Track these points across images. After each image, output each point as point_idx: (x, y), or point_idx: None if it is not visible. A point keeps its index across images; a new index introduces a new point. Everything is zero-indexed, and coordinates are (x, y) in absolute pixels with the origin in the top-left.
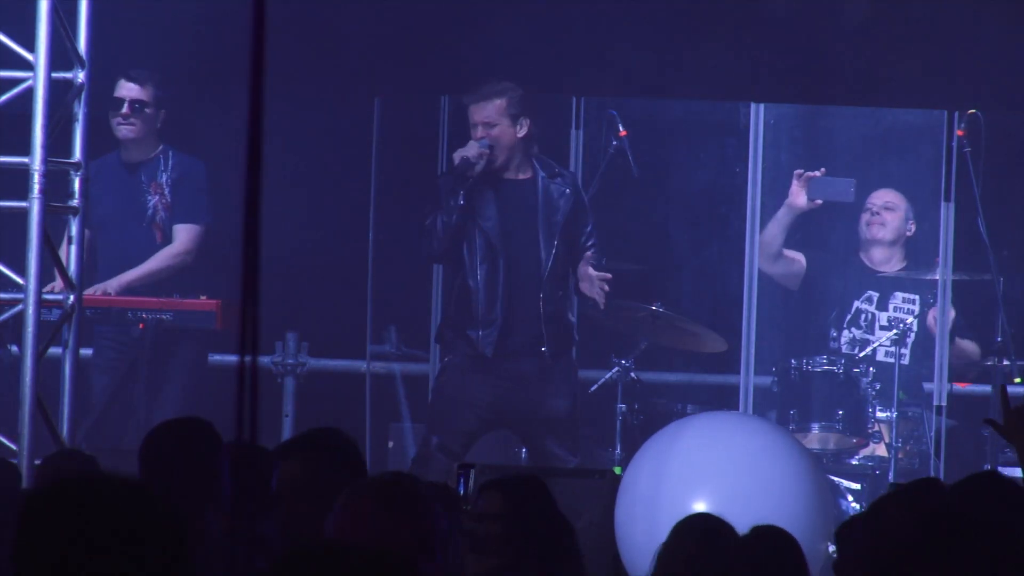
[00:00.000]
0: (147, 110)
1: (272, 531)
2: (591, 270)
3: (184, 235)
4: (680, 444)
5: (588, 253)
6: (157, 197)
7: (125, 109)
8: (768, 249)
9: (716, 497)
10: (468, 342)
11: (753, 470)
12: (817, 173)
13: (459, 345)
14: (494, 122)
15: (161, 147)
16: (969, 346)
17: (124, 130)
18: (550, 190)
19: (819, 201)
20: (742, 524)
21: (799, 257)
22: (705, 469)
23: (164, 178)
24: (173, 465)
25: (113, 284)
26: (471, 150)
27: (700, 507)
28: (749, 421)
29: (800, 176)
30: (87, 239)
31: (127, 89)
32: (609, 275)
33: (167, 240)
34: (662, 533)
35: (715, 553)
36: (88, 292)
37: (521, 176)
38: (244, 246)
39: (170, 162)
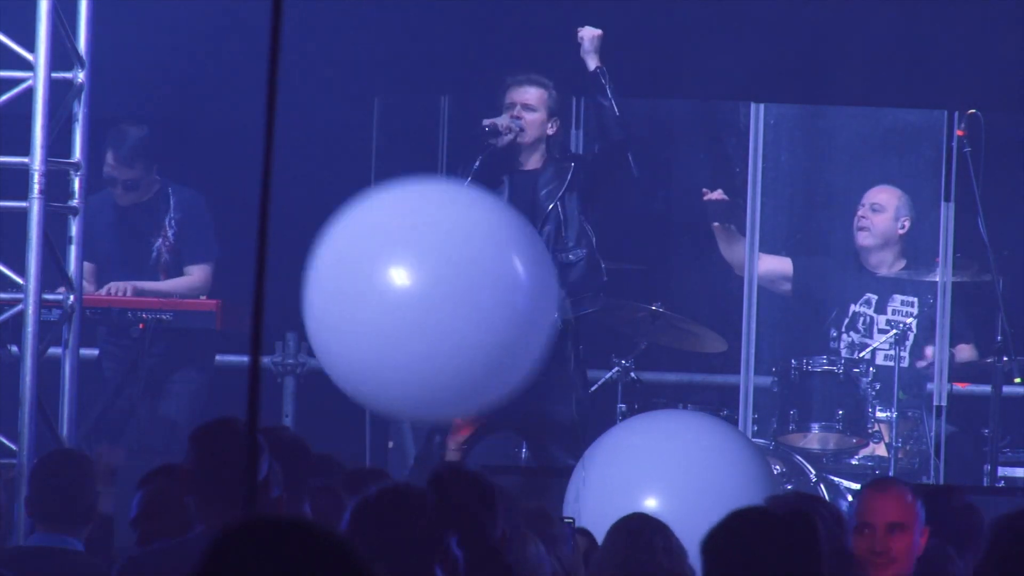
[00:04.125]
0: (137, 164)
1: None
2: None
3: (199, 274)
4: (623, 443)
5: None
6: (160, 240)
7: (120, 189)
8: (736, 264)
9: (660, 495)
10: None
11: (698, 466)
12: (715, 195)
13: None
14: (534, 106)
15: (158, 185)
16: (965, 351)
17: (128, 198)
18: (550, 169)
19: (717, 224)
20: (688, 520)
21: (780, 260)
22: (648, 467)
23: (167, 220)
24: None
25: (125, 285)
26: (502, 120)
27: (650, 504)
28: (692, 418)
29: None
30: (92, 274)
31: (119, 171)
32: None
33: (170, 278)
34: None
35: (647, 553)
36: (101, 291)
37: (531, 168)
38: (257, 251)
39: (171, 201)
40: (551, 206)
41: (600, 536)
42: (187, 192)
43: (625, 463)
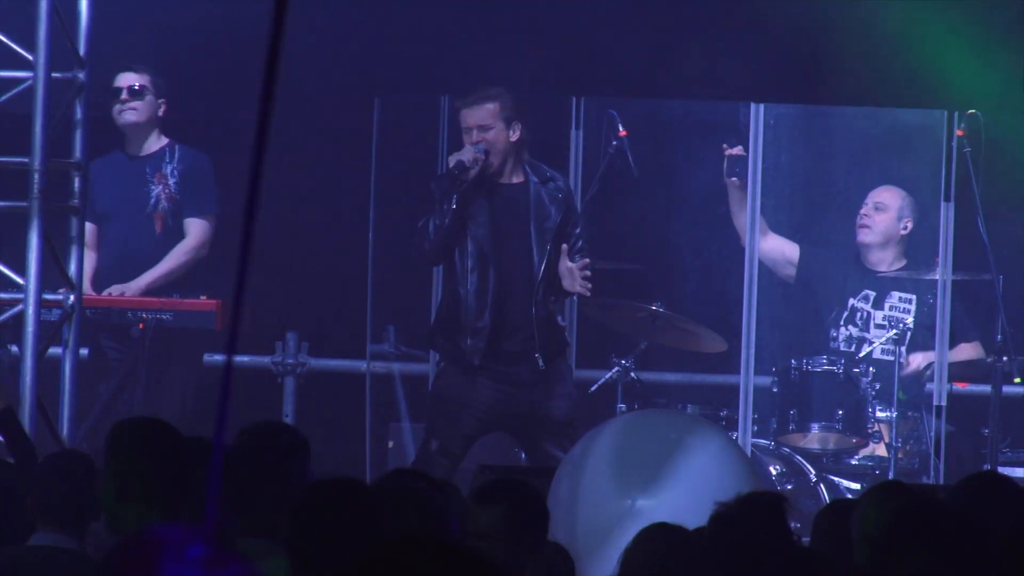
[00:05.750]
0: (147, 95)
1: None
2: (568, 263)
3: (196, 229)
4: (599, 443)
5: (563, 246)
6: (161, 187)
7: (124, 95)
8: (741, 230)
9: (638, 495)
10: (457, 350)
11: (676, 465)
12: (735, 150)
13: (450, 351)
14: (489, 125)
15: (167, 141)
16: (966, 350)
17: (127, 115)
18: (541, 195)
19: (735, 179)
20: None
21: (789, 244)
22: (624, 468)
23: (169, 169)
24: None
25: (132, 287)
26: (466, 154)
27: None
28: (669, 416)
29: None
30: (94, 234)
31: (125, 78)
32: (587, 260)
33: (167, 230)
34: (581, 534)
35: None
36: (106, 292)
37: (514, 180)
38: (241, 249)
39: (176, 155)
40: (543, 264)
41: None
42: (193, 151)
43: (607, 465)
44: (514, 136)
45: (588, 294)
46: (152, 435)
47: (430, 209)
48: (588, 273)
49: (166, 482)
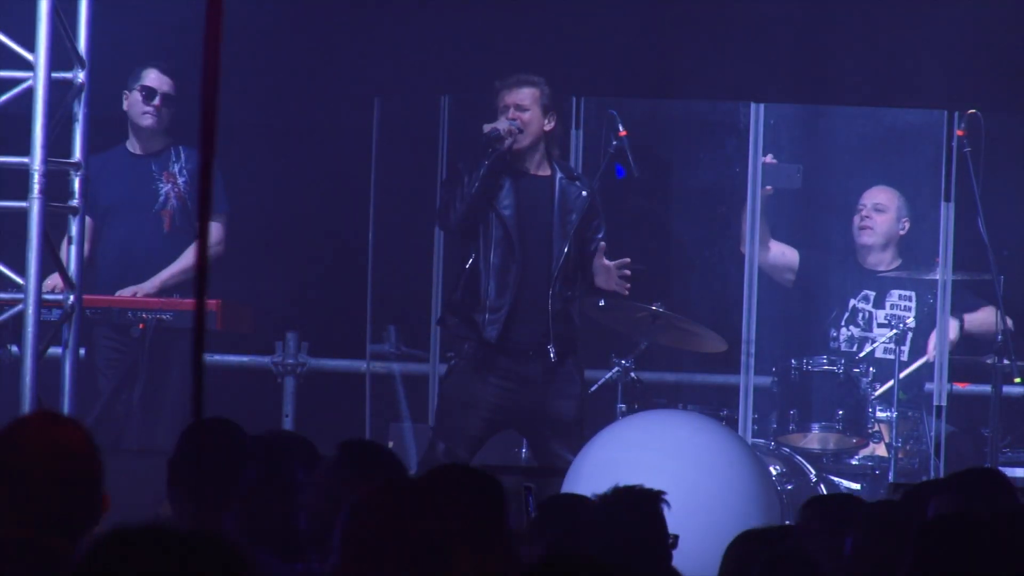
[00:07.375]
0: (169, 107)
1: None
2: (605, 260)
3: (212, 229)
4: (610, 444)
5: (602, 244)
6: (170, 185)
7: (157, 101)
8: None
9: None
10: (472, 326)
11: (682, 467)
12: (767, 159)
13: (462, 330)
14: (526, 106)
15: (170, 141)
16: (986, 316)
17: (149, 119)
18: (567, 190)
19: (769, 188)
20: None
21: (789, 249)
22: (632, 469)
23: (177, 168)
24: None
25: (147, 286)
26: (502, 123)
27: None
28: (680, 417)
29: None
30: (91, 228)
31: (162, 81)
32: (627, 259)
33: (174, 227)
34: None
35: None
36: (121, 293)
37: (541, 173)
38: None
39: (182, 155)
40: (566, 248)
41: None
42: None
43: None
44: (548, 126)
45: (626, 293)
46: (215, 435)
47: (458, 185)
48: (628, 272)
49: (219, 480)
